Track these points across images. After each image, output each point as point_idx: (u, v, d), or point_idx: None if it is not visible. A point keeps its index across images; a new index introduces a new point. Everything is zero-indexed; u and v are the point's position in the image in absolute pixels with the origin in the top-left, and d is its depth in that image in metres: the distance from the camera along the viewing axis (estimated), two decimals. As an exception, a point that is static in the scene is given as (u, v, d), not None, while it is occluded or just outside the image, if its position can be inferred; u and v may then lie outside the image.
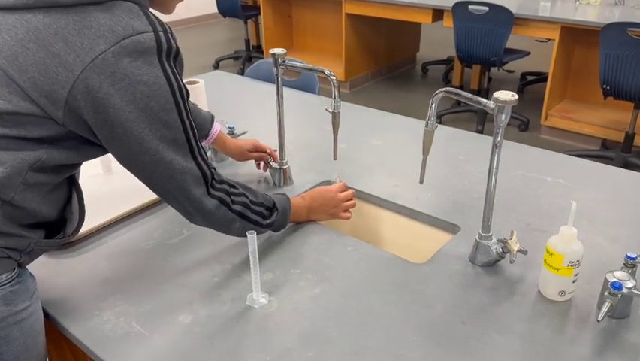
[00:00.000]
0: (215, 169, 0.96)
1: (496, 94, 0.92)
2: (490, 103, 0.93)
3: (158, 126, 0.84)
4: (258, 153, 1.39)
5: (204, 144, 1.31)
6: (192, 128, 0.90)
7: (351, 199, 1.24)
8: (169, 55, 0.85)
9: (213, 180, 0.95)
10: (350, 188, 1.26)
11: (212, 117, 1.33)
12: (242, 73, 4.94)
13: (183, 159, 0.89)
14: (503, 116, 0.93)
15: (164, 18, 1.00)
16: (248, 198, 1.00)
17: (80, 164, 0.95)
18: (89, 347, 0.88)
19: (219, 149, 1.38)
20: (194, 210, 0.94)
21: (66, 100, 0.78)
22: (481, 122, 3.80)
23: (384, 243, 1.37)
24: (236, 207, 0.98)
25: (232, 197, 0.98)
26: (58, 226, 0.96)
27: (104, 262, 1.08)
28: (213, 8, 5.47)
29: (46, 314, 0.96)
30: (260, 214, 1.03)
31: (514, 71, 4.85)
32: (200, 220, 0.96)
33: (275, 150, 1.37)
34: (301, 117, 1.80)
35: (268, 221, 1.05)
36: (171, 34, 0.89)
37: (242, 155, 1.39)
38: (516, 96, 0.92)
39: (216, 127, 1.33)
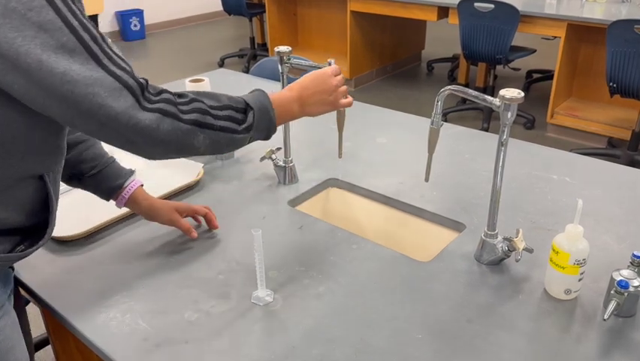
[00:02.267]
0: (147, 80, 0.79)
1: (502, 92, 0.92)
2: (497, 101, 0.93)
3: (32, 32, 0.68)
4: (187, 215, 1.16)
5: (117, 204, 1.10)
6: (88, 29, 0.73)
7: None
8: None
9: (146, 92, 0.78)
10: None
11: (132, 171, 1.12)
12: (247, 71, 4.94)
13: (84, 68, 0.71)
14: (509, 114, 0.93)
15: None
16: (204, 103, 0.84)
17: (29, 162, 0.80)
18: (95, 344, 0.88)
19: (133, 208, 1.12)
20: (131, 132, 0.75)
21: None
22: (486, 120, 3.79)
23: (389, 241, 1.37)
24: (188, 115, 0.81)
25: (179, 106, 0.81)
26: (25, 235, 0.87)
27: (110, 260, 1.08)
28: (218, 6, 5.48)
29: (53, 312, 0.96)
30: (229, 119, 0.86)
31: (520, 68, 4.83)
32: (148, 145, 0.78)
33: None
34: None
35: (245, 125, 0.88)
36: None
37: (159, 214, 1.11)
38: (522, 94, 0.91)
39: (133, 183, 1.10)
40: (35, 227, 0.88)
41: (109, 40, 0.77)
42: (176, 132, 0.79)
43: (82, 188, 1.09)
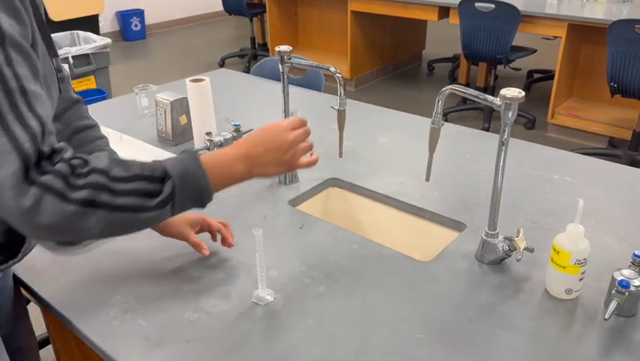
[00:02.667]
0: (54, 148, 0.69)
1: (503, 91, 0.92)
2: (497, 100, 0.93)
3: None
4: (202, 229, 1.07)
5: None
6: (5, 81, 0.65)
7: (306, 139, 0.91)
8: None
9: (44, 161, 0.68)
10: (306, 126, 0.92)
11: None
12: (247, 71, 4.94)
13: None
14: (510, 114, 0.92)
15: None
16: (107, 174, 0.71)
17: None
18: (96, 344, 0.88)
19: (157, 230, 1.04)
20: (2, 209, 0.65)
21: None
22: (487, 119, 3.79)
23: (390, 241, 1.36)
24: (77, 193, 0.68)
25: (72, 179, 0.68)
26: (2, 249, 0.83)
27: (111, 259, 1.08)
28: (219, 6, 5.48)
29: (53, 311, 0.96)
30: (136, 193, 0.72)
31: (520, 68, 4.82)
32: (25, 227, 0.67)
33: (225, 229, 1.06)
34: (307, 115, 1.78)
35: (159, 198, 0.74)
36: None
37: (181, 227, 1.03)
38: (523, 93, 0.91)
39: None
40: (12, 242, 0.85)
41: (34, 95, 0.68)
42: (58, 215, 0.67)
43: None
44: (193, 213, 1.02)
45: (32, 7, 0.77)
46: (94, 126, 1.04)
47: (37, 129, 0.68)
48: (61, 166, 0.68)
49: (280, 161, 0.86)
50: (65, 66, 0.93)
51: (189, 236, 1.02)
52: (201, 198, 0.79)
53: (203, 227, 1.06)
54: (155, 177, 0.75)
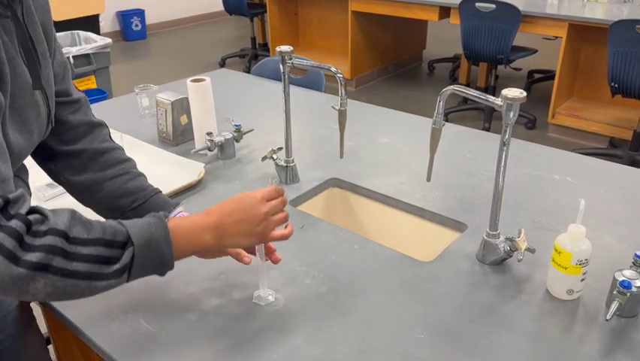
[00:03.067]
0: (8, 199, 0.64)
1: (505, 91, 0.92)
2: (499, 101, 0.93)
3: None
4: None
5: None
6: None
7: (282, 210, 0.88)
8: None
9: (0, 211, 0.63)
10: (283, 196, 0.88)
11: (178, 203, 1.00)
12: (248, 71, 4.94)
13: None
14: (512, 114, 0.92)
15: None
16: (65, 235, 0.66)
17: None
18: (97, 344, 0.88)
19: None
20: None
21: None
22: (487, 119, 3.79)
23: (391, 241, 1.36)
24: (30, 255, 0.63)
25: (27, 238, 0.64)
26: None
27: (112, 260, 1.08)
28: (219, 6, 5.48)
29: (54, 311, 0.96)
30: (93, 259, 0.68)
31: (521, 68, 4.82)
32: None
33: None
34: (308, 115, 1.80)
35: (117, 266, 0.70)
36: None
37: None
38: (524, 94, 0.91)
39: (180, 214, 0.96)
40: None
41: None
42: (4, 277, 0.62)
43: None
44: None
45: (17, 34, 0.76)
46: (118, 149, 1.02)
47: None
48: (15, 223, 0.63)
49: (251, 232, 0.82)
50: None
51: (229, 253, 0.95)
52: (161, 267, 0.76)
53: None
54: (116, 241, 0.71)
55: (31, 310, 1.08)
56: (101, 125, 1.02)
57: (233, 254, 0.95)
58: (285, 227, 0.88)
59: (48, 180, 1.02)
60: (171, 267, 0.77)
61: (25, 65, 0.78)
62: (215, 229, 0.80)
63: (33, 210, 0.67)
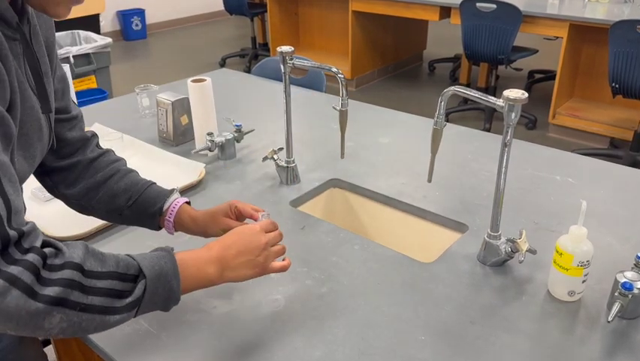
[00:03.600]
0: (23, 232, 0.63)
1: (506, 92, 0.91)
2: (500, 101, 0.92)
3: None
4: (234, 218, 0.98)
5: (168, 233, 0.99)
6: None
7: (279, 242, 0.89)
8: None
9: (11, 248, 0.61)
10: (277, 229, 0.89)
11: (172, 190, 1.01)
12: (248, 71, 4.94)
13: None
14: (513, 115, 0.92)
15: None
16: (82, 269, 0.66)
17: None
18: (97, 345, 0.88)
19: (185, 230, 0.99)
20: None
21: None
22: (488, 120, 3.78)
23: (391, 242, 1.36)
24: (48, 289, 0.62)
25: (44, 272, 0.63)
26: None
27: (112, 260, 1.08)
28: (220, 6, 5.48)
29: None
30: (108, 293, 0.67)
31: (522, 69, 4.82)
32: None
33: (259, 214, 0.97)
34: (308, 115, 1.79)
35: (130, 299, 0.70)
36: None
37: (215, 223, 0.97)
38: (526, 95, 0.91)
39: (175, 202, 0.98)
40: None
41: (3, 168, 0.63)
42: (21, 312, 0.60)
43: (128, 224, 1.03)
44: (222, 204, 0.98)
45: (26, 58, 0.75)
46: (107, 152, 1.02)
47: (3, 211, 0.61)
48: (32, 257, 0.62)
49: (252, 263, 0.82)
50: (74, 101, 0.86)
51: (225, 221, 0.96)
52: (168, 302, 0.75)
53: (236, 214, 0.97)
54: (128, 275, 0.70)
55: None
56: (92, 136, 1.03)
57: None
58: (283, 260, 0.89)
59: None
60: (177, 301, 0.76)
61: (32, 89, 0.78)
62: (218, 262, 0.80)
63: (46, 244, 0.66)
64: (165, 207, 0.97)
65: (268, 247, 0.84)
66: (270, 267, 0.85)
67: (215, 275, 0.80)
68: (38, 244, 0.65)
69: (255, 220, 0.95)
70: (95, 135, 1.04)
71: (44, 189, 0.99)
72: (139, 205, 0.97)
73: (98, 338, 0.89)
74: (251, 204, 0.98)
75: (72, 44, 3.54)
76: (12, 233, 0.61)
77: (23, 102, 0.75)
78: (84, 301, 0.65)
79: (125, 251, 0.89)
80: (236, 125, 1.51)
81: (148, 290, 0.71)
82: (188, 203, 1.00)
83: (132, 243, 1.14)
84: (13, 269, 0.60)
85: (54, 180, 0.97)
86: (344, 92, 1.16)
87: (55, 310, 0.62)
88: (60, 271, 0.64)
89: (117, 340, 0.88)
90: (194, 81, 1.48)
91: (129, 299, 0.70)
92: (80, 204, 0.98)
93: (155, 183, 1.02)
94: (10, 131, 0.68)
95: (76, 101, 1.65)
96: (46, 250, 0.65)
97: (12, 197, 0.63)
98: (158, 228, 1.01)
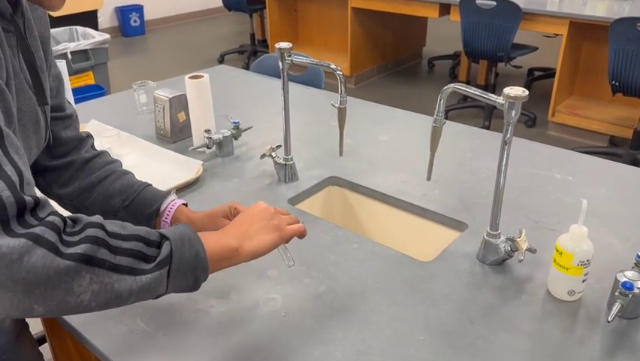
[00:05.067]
0: (39, 200, 0.61)
1: (507, 90, 0.91)
2: (501, 99, 0.92)
3: None
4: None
5: (162, 225, 0.96)
6: None
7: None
8: None
9: (27, 215, 0.59)
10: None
11: (168, 192, 1.00)
12: (247, 67, 4.92)
13: None
14: (513, 113, 0.91)
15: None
16: (104, 228, 0.64)
17: None
18: (93, 344, 0.87)
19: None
20: None
21: None
22: (487, 117, 3.77)
23: (390, 240, 1.35)
24: (73, 248, 0.59)
25: (65, 235, 0.60)
26: None
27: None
28: (218, 2, 5.47)
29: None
30: (134, 254, 0.65)
31: (521, 66, 4.81)
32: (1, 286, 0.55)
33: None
34: (307, 112, 1.78)
35: (158, 259, 0.67)
36: None
37: (213, 224, 0.94)
38: (527, 92, 0.90)
39: (172, 204, 0.97)
40: None
41: (9, 138, 0.62)
42: (48, 271, 0.56)
43: None
44: (222, 205, 0.96)
45: (21, 51, 0.75)
46: (102, 154, 1.02)
47: (15, 177, 0.59)
48: (53, 218, 0.59)
49: (268, 227, 0.81)
50: (70, 101, 0.84)
51: (224, 222, 0.94)
52: (197, 271, 0.71)
53: (235, 216, 0.94)
54: (152, 241, 0.68)
55: (26, 323, 1.07)
56: (87, 137, 1.02)
57: None
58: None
59: None
60: (206, 269, 0.73)
61: (28, 82, 0.77)
62: (235, 236, 0.79)
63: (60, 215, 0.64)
64: (162, 208, 0.96)
65: (278, 214, 0.84)
66: (287, 229, 0.84)
67: (236, 245, 0.77)
68: (54, 212, 0.62)
69: None
70: (90, 136, 1.03)
71: (38, 190, 0.99)
72: (135, 207, 0.96)
73: (94, 338, 0.88)
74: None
75: (70, 40, 3.52)
76: (28, 199, 0.59)
77: (20, 93, 0.74)
78: (112, 260, 0.62)
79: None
80: (234, 123, 1.50)
81: (174, 252, 0.68)
82: (185, 205, 0.99)
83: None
84: (35, 229, 0.57)
85: (47, 180, 0.96)
86: (343, 89, 1.15)
87: (84, 269, 0.59)
88: (83, 232, 0.61)
89: (113, 339, 0.87)
90: (191, 78, 1.47)
91: (158, 259, 0.67)
92: (74, 205, 0.97)
93: (151, 185, 1.00)
94: (9, 107, 0.67)
95: (73, 99, 1.65)
96: (65, 215, 0.63)
97: (22, 168, 0.62)
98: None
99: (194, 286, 0.73)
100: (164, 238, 0.69)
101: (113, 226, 0.66)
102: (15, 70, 0.73)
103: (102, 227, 0.64)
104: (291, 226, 0.85)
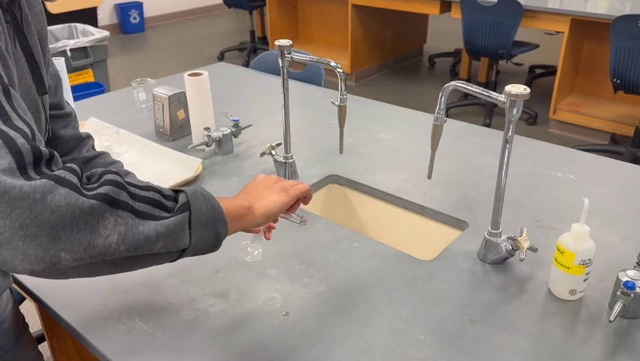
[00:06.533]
0: (54, 153, 0.61)
1: (508, 88, 0.90)
2: (502, 97, 0.91)
3: None
4: None
5: None
6: None
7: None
8: None
9: (43, 165, 0.58)
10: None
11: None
12: (247, 65, 4.91)
13: None
14: (515, 111, 0.90)
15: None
16: (121, 176, 0.64)
17: None
18: (92, 344, 0.87)
19: None
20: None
21: None
22: (488, 115, 3.76)
23: (390, 239, 1.35)
24: (94, 191, 0.58)
25: (84, 182, 0.60)
26: None
27: (107, 257, 1.06)
28: (219, -1, 5.45)
29: (48, 310, 0.95)
30: (152, 203, 0.64)
31: (522, 64, 4.80)
32: (17, 228, 0.53)
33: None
34: (307, 110, 1.77)
35: (178, 205, 0.67)
36: None
37: None
38: (528, 90, 0.89)
39: None
40: None
41: (15, 98, 0.62)
42: (74, 209, 0.55)
43: None
44: None
45: (19, 39, 0.75)
46: (103, 154, 1.02)
47: (27, 129, 0.59)
48: (72, 165, 0.59)
49: (275, 189, 0.85)
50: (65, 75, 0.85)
51: None
52: (216, 224, 0.70)
53: None
54: (167, 194, 0.68)
55: (23, 316, 1.07)
56: (87, 137, 1.02)
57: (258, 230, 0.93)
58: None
59: None
60: (225, 223, 0.71)
61: (26, 71, 0.77)
62: (245, 196, 0.82)
63: None
64: None
65: (282, 180, 0.88)
66: (293, 189, 0.86)
67: (248, 203, 0.78)
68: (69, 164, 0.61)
69: (257, 232, 0.93)
70: (90, 136, 1.03)
71: None
72: None
73: (92, 337, 0.87)
74: None
75: (69, 37, 3.51)
76: (44, 149, 0.58)
77: (22, 79, 0.74)
78: (133, 205, 0.61)
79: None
80: (234, 120, 1.50)
81: (192, 202, 0.67)
82: None
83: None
84: (57, 172, 0.56)
85: None
86: (343, 86, 1.14)
87: (108, 211, 0.58)
88: (102, 177, 0.61)
89: (113, 339, 0.87)
90: (191, 75, 1.46)
91: (177, 206, 0.66)
92: None
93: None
94: (11, 73, 0.66)
95: (72, 98, 1.64)
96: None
97: (33, 126, 0.61)
98: None
99: (216, 241, 0.71)
100: (178, 192, 0.69)
101: (129, 178, 0.67)
102: (16, 57, 0.73)
103: (119, 175, 0.63)
104: (296, 186, 0.88)
